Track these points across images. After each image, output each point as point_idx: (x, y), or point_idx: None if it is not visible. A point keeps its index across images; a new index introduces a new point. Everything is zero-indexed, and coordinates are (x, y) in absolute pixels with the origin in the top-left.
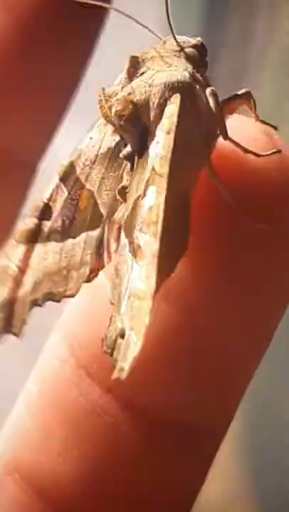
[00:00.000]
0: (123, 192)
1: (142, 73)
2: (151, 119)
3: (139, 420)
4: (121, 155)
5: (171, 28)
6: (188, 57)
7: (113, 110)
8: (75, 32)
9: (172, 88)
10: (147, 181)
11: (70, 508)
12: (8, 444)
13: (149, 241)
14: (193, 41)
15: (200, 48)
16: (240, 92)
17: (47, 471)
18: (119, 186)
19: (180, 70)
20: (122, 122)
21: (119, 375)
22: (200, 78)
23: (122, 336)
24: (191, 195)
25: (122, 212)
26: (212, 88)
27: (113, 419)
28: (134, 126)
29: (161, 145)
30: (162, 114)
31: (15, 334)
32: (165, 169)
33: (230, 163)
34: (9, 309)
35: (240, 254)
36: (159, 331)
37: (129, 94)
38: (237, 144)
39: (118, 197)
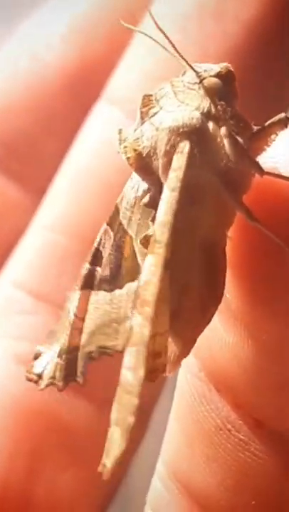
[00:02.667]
0: (145, 241)
1: (155, 114)
2: (160, 169)
3: (269, 439)
4: (142, 203)
5: (182, 57)
6: (208, 90)
7: (123, 157)
8: None
9: (178, 133)
10: (150, 245)
11: None
12: (165, 453)
13: (141, 324)
14: (217, 68)
15: (225, 76)
16: (276, 119)
17: (196, 481)
18: (142, 235)
19: (189, 110)
20: (133, 170)
21: (102, 471)
22: (220, 114)
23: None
24: (223, 245)
25: None
26: (225, 128)
27: (244, 437)
28: (149, 174)
29: (162, 206)
30: (170, 163)
31: (78, 382)
32: (164, 237)
33: (273, 199)
34: (70, 357)
35: None
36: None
37: (137, 139)
38: (280, 177)
39: (140, 246)
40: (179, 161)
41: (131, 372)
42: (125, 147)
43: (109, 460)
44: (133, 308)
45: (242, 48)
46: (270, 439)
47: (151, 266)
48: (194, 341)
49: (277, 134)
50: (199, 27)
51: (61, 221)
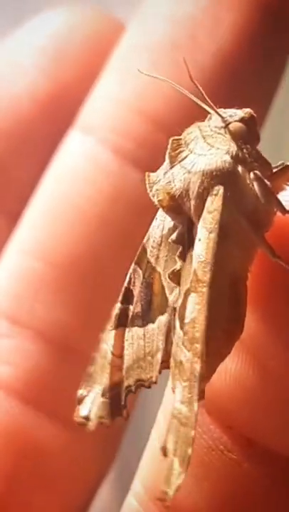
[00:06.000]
0: (174, 276)
1: (185, 157)
2: (192, 209)
3: (262, 458)
4: (170, 239)
5: (211, 104)
6: (234, 134)
7: (155, 200)
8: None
9: (212, 176)
10: (191, 283)
11: None
12: (145, 473)
13: (192, 360)
14: (241, 114)
15: (248, 120)
16: None
17: (182, 502)
18: (170, 270)
19: (221, 154)
20: (164, 211)
21: (164, 499)
22: (246, 157)
23: (164, 452)
24: (245, 280)
25: (175, 295)
26: (255, 172)
27: (236, 456)
28: (179, 213)
29: (203, 247)
30: (203, 204)
31: (123, 418)
32: (207, 276)
33: None
34: (113, 394)
35: None
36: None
37: (169, 183)
38: None
39: (168, 281)
40: (215, 203)
41: (185, 406)
42: (157, 190)
43: (171, 488)
44: (181, 345)
45: (214, 77)
46: (263, 459)
47: (196, 304)
48: (216, 370)
49: None
50: (171, 57)
51: (36, 246)
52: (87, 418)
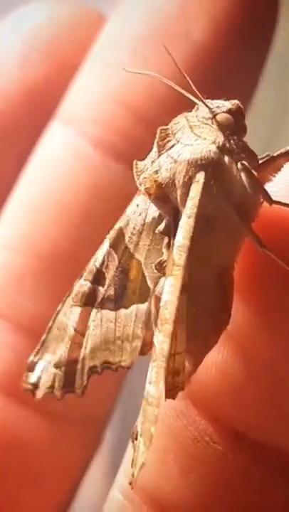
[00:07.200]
0: (160, 267)
1: (172, 146)
2: (178, 198)
3: (248, 449)
4: (156, 230)
5: (198, 95)
6: (221, 125)
7: (142, 188)
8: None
9: (196, 165)
10: (168, 268)
11: None
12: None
13: (161, 340)
14: (229, 105)
15: (235, 112)
16: (284, 150)
17: (168, 495)
18: (157, 261)
19: (207, 144)
20: (151, 199)
21: (130, 480)
22: (233, 148)
23: (135, 436)
24: (232, 270)
25: (161, 285)
26: (242, 162)
27: (222, 447)
28: (165, 202)
29: (181, 232)
30: (188, 194)
31: (76, 394)
32: (182, 259)
33: (281, 227)
34: (69, 369)
35: None
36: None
37: (156, 171)
38: (286, 205)
39: (154, 270)
40: (195, 189)
41: (152, 385)
42: (144, 178)
43: (135, 469)
44: (156, 328)
45: (194, 68)
46: (249, 450)
47: (170, 287)
48: (202, 360)
49: (283, 166)
50: (152, 49)
51: (18, 239)
52: (35, 385)
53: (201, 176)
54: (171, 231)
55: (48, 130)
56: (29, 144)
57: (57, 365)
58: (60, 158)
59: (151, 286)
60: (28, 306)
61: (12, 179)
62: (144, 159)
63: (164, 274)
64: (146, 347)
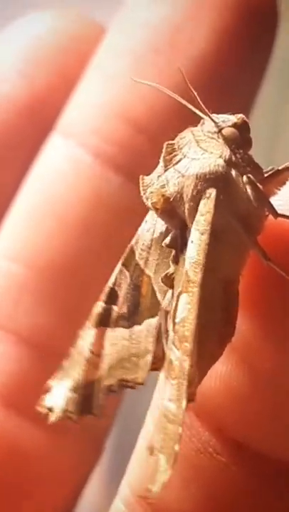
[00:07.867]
0: (167, 279)
1: (179, 161)
2: (186, 212)
3: (251, 461)
4: (163, 244)
5: (204, 109)
6: (227, 139)
7: (148, 202)
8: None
9: (205, 179)
10: (182, 284)
11: None
12: (133, 475)
13: (181, 358)
14: (234, 119)
15: (240, 126)
16: (287, 165)
17: (169, 505)
18: (163, 274)
19: (214, 158)
20: (157, 214)
21: (147, 496)
22: (239, 161)
23: (151, 451)
24: (237, 283)
25: (168, 298)
26: (248, 176)
27: (225, 459)
28: (172, 217)
29: (194, 248)
30: (197, 207)
31: (94, 415)
32: (198, 277)
33: (286, 240)
34: (86, 392)
35: None
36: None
37: (163, 186)
38: None
39: (161, 284)
40: (208, 205)
41: (173, 403)
42: (151, 193)
43: (156, 486)
44: (172, 344)
45: (195, 77)
46: (251, 462)
47: (187, 304)
48: (207, 372)
49: (288, 179)
50: (152, 61)
51: (17, 251)
52: (50, 409)
53: (213, 192)
54: (177, 244)
55: (48, 141)
56: (30, 156)
57: (74, 389)
58: (60, 170)
59: (160, 299)
60: (28, 318)
61: (12, 190)
62: (147, 173)
63: (170, 287)
64: (158, 362)
